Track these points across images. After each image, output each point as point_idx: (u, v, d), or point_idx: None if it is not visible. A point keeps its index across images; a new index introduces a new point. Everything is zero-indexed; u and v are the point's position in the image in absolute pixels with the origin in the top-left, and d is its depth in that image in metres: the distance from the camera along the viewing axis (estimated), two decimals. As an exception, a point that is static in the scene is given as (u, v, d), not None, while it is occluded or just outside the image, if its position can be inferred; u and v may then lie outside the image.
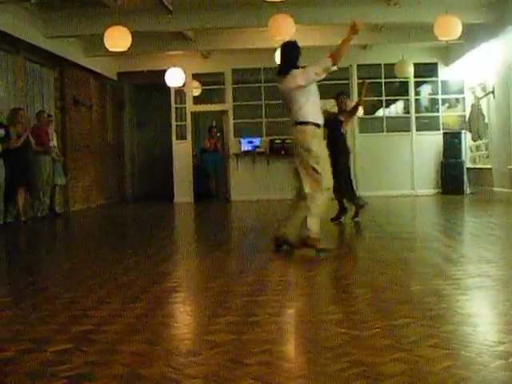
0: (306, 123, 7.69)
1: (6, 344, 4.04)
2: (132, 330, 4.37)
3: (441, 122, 19.32)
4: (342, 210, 11.55)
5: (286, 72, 7.93)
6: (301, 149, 7.68)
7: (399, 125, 19.52)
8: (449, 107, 19.57)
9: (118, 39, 12.70)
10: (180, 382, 3.24)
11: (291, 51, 8.15)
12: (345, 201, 11.52)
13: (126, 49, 12.97)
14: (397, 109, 19.88)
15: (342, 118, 11.73)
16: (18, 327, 4.51)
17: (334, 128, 11.34)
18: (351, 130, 19.29)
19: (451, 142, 18.58)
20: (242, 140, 19.86)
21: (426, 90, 19.77)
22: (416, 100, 19.62)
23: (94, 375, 3.38)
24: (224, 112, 20.37)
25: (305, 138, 7.68)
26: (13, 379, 3.37)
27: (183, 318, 4.98)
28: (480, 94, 17.61)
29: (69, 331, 4.33)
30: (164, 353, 3.83)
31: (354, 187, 12.02)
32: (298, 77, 7.78)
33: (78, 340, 4.08)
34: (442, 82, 19.47)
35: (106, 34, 12.61)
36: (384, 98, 19.64)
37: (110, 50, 13.10)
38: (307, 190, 7.61)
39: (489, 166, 16.96)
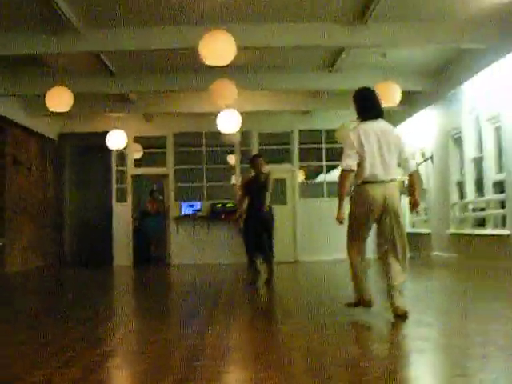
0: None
1: None
2: (65, 395, 4.24)
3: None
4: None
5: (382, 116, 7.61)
6: (395, 206, 7.33)
7: (322, 190, 19.73)
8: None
9: (59, 99, 12.67)
10: None
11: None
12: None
13: (67, 109, 12.94)
14: (338, 174, 20.03)
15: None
16: None
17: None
18: (292, 194, 19.45)
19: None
20: (183, 203, 19.83)
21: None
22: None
23: None
24: (165, 175, 20.34)
25: (397, 194, 7.44)
26: None
27: (119, 383, 4.87)
28: (419, 159, 17.88)
29: (-2, 398, 4.19)
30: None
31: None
32: (402, 140, 7.54)
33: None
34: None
35: (47, 94, 12.58)
36: (324, 163, 19.82)
37: (52, 109, 13.04)
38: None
39: (428, 231, 17.15)
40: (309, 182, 20.36)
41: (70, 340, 6.55)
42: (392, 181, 7.33)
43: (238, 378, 4.83)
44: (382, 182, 7.26)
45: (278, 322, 7.58)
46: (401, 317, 6.99)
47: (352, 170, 7.35)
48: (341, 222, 7.59)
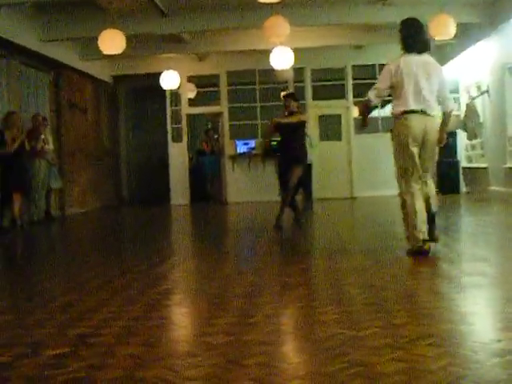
0: None
1: (2, 349, 4.02)
2: (129, 332, 4.36)
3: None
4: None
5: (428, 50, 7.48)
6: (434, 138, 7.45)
7: (388, 125, 19.48)
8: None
9: (112, 42, 12.70)
10: (178, 383, 3.24)
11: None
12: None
13: (120, 51, 12.97)
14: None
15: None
16: (15, 331, 4.50)
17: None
18: (346, 130, 19.34)
19: (447, 141, 18.53)
20: (238, 142, 19.86)
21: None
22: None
23: (92, 379, 3.37)
24: (219, 114, 20.36)
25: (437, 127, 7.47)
26: (10, 384, 3.37)
27: (180, 320, 4.98)
28: (475, 93, 17.61)
29: (65, 335, 4.32)
30: (161, 355, 3.82)
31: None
32: (444, 77, 7.51)
33: (75, 344, 4.07)
34: (437, 81, 19.46)
35: (100, 37, 12.62)
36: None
37: (105, 52, 13.10)
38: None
39: (484, 165, 16.96)
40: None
41: (131, 278, 6.69)
42: (433, 115, 7.32)
43: (298, 314, 4.90)
44: (424, 113, 7.25)
45: (335, 259, 7.62)
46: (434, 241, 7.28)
47: (371, 103, 7.52)
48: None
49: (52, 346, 4.04)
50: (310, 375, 3.31)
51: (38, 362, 3.69)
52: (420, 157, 7.34)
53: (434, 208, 7.41)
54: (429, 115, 7.27)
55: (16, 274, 7.63)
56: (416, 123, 7.21)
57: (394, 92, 7.40)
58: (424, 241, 7.06)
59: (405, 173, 7.36)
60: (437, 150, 7.58)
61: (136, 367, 3.55)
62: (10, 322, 4.86)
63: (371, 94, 7.44)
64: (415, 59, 7.32)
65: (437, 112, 7.41)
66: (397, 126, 7.39)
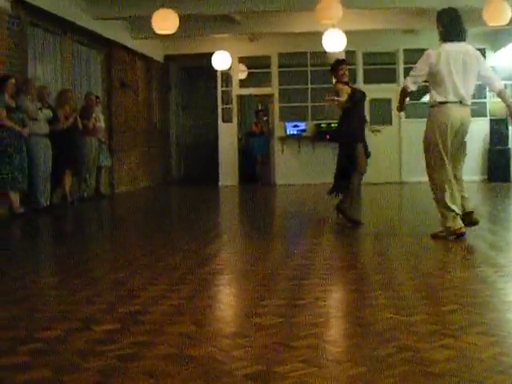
0: None
1: (55, 323, 4.10)
2: (179, 311, 4.40)
3: (488, 108, 19.07)
4: None
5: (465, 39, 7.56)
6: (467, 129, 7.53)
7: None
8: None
9: (165, 22, 12.73)
10: (227, 363, 3.26)
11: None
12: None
13: (173, 31, 13.00)
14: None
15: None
16: (66, 307, 4.57)
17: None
18: (397, 114, 19.16)
19: (498, 128, 18.36)
20: (288, 124, 19.82)
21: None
22: (463, 85, 19.40)
23: (143, 355, 3.41)
24: (270, 96, 20.33)
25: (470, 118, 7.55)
26: (63, 358, 3.41)
27: (229, 300, 5.01)
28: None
29: (116, 311, 4.38)
30: (211, 334, 3.86)
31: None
32: (483, 61, 7.62)
33: (126, 320, 4.13)
34: (490, 67, 19.22)
35: (153, 17, 12.66)
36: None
37: (158, 32, 13.14)
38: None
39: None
40: (414, 102, 20.04)
41: (180, 258, 6.74)
42: (468, 105, 7.37)
43: (348, 297, 4.91)
44: (462, 104, 7.29)
45: (384, 243, 7.60)
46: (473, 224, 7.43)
47: (408, 89, 7.50)
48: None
49: (102, 321, 4.10)
50: (359, 359, 3.31)
51: (90, 337, 3.75)
52: (452, 146, 7.36)
53: (472, 206, 7.51)
54: (465, 105, 7.33)
55: (66, 251, 7.72)
56: (455, 113, 7.25)
57: (433, 80, 7.38)
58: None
59: (440, 161, 7.35)
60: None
61: (185, 345, 3.59)
62: (62, 297, 4.94)
63: (409, 81, 7.47)
64: (456, 48, 7.36)
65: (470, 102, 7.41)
66: (434, 113, 7.37)
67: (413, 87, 7.52)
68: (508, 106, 7.48)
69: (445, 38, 7.48)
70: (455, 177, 7.43)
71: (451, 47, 7.37)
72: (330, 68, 10.29)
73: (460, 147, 7.55)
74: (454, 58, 7.28)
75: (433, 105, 7.40)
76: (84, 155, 13.83)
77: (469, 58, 7.35)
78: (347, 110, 9.49)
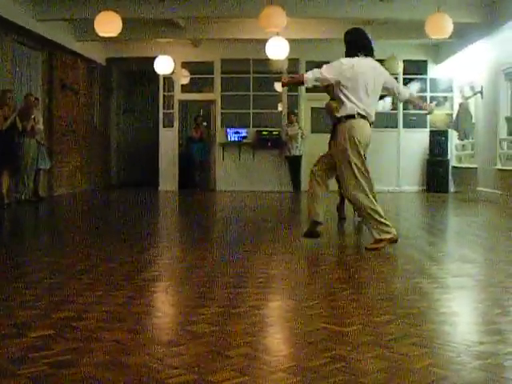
0: None
1: (-13, 328, 4.04)
2: (114, 317, 4.37)
3: (428, 119, 19.35)
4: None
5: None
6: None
7: (386, 121, 19.49)
8: (436, 105, 19.58)
9: (108, 24, 12.69)
10: (161, 371, 3.25)
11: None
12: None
13: (116, 34, 12.96)
14: (384, 105, 19.86)
15: None
16: (0, 312, 4.50)
17: None
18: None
19: (437, 140, 18.65)
20: (229, 130, 19.85)
21: (414, 87, 19.78)
22: (404, 97, 19.64)
23: (76, 362, 3.38)
24: (212, 101, 20.34)
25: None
26: (-6, 364, 3.37)
27: (165, 307, 4.99)
28: (468, 93, 17.66)
29: (51, 317, 4.32)
30: (145, 342, 3.84)
31: None
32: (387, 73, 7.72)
33: (60, 326, 4.08)
34: (430, 79, 19.53)
35: (96, 19, 12.59)
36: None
37: (101, 34, 13.07)
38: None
39: (474, 166, 17.03)
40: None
41: (117, 264, 6.68)
42: (371, 122, 7.46)
43: (283, 307, 4.92)
44: (367, 119, 7.41)
45: (319, 252, 7.65)
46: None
47: (306, 84, 7.63)
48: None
49: (37, 327, 4.05)
50: (292, 368, 3.32)
51: (23, 344, 3.69)
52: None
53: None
54: (370, 123, 7.46)
55: (1, 254, 7.61)
56: (366, 127, 7.42)
57: (340, 90, 7.44)
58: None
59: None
60: None
61: (120, 353, 3.56)
62: (-5, 301, 4.87)
63: (311, 76, 7.44)
64: (367, 62, 7.50)
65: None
66: (346, 127, 7.39)
67: (310, 84, 7.64)
68: (419, 101, 7.97)
69: (356, 52, 7.58)
70: None
71: (362, 61, 7.50)
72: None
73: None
74: (365, 72, 7.41)
75: (340, 119, 7.46)
76: (22, 156, 13.66)
77: (379, 75, 7.56)
78: None
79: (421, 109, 8.18)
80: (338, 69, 7.45)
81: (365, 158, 7.43)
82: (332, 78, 7.44)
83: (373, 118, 7.47)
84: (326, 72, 7.44)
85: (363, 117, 7.35)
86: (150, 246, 8.26)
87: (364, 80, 7.36)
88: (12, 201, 13.23)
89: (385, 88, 7.64)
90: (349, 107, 7.34)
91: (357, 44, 7.64)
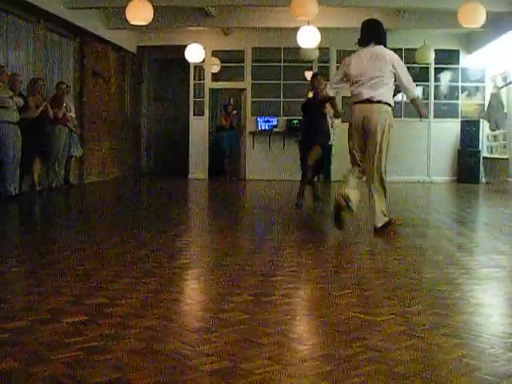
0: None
1: (22, 313, 4.08)
2: (146, 304, 4.39)
3: (459, 109, 19.23)
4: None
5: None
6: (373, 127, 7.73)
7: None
8: (468, 95, 19.48)
9: (140, 12, 12.68)
10: (194, 358, 3.26)
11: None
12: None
13: (147, 22, 12.96)
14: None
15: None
16: (33, 297, 4.54)
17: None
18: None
19: (469, 130, 18.51)
20: (259, 119, 19.83)
21: (446, 76, 19.67)
22: (435, 86, 19.53)
23: (109, 348, 3.40)
24: (242, 90, 20.34)
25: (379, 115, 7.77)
26: (29, 349, 3.39)
27: (197, 294, 5.01)
28: (500, 83, 17.51)
29: (83, 303, 4.36)
30: (178, 329, 3.85)
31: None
32: (398, 66, 7.88)
33: (93, 312, 4.11)
34: (462, 69, 19.36)
35: (128, 7, 12.60)
36: (403, 82, 19.50)
37: (132, 23, 13.08)
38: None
39: (506, 157, 16.90)
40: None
41: (148, 251, 6.71)
42: (377, 102, 7.66)
43: (315, 295, 4.92)
44: (364, 102, 7.68)
45: (351, 241, 7.64)
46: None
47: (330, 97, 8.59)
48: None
49: (70, 313, 4.08)
50: (324, 357, 3.32)
51: (57, 329, 3.73)
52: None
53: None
54: (372, 103, 7.68)
55: (34, 240, 7.68)
56: (358, 112, 7.78)
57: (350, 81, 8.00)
58: None
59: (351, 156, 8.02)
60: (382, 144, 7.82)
61: (152, 339, 3.58)
62: (29, 287, 4.91)
63: (328, 87, 8.29)
64: (367, 51, 7.89)
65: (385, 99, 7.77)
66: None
67: (331, 93, 8.25)
68: (419, 110, 8.24)
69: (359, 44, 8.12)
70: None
71: (362, 51, 7.97)
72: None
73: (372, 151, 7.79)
74: (362, 60, 7.81)
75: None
76: (53, 144, 13.75)
77: (382, 61, 7.76)
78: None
79: (420, 115, 8.42)
80: (342, 67, 8.08)
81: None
82: (341, 78, 8.03)
83: (379, 99, 7.71)
84: (336, 77, 8.22)
85: (362, 101, 7.70)
86: (182, 234, 8.31)
87: (361, 67, 7.76)
88: (43, 188, 13.32)
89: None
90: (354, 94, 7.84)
91: (365, 34, 8.07)
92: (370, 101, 7.64)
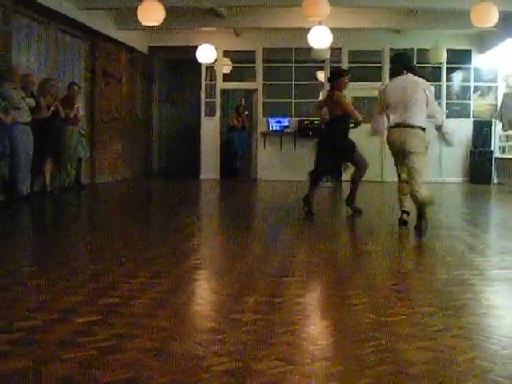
0: None
1: (35, 312, 4.10)
2: (158, 305, 4.41)
3: (472, 109, 19.18)
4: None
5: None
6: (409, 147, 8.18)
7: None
8: (480, 95, 19.41)
9: (151, 13, 12.68)
10: (206, 358, 3.28)
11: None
12: None
13: (158, 23, 12.95)
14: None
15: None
16: (46, 297, 4.56)
17: None
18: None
19: (481, 130, 18.43)
20: (271, 119, 19.83)
21: (458, 76, 19.61)
22: (448, 86, 19.48)
23: (122, 348, 3.42)
24: (254, 90, 20.33)
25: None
26: (42, 348, 3.41)
27: (208, 295, 5.02)
28: (513, 83, 17.47)
29: (96, 303, 4.38)
30: (190, 329, 3.88)
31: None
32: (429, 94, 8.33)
33: (105, 312, 4.13)
34: (474, 69, 19.29)
35: (139, 8, 12.61)
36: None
37: (143, 23, 13.09)
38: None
39: (518, 157, 16.84)
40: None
41: (160, 251, 6.73)
42: (411, 126, 8.12)
43: (326, 296, 4.92)
44: (400, 127, 8.18)
45: (363, 242, 7.64)
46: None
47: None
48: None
49: (82, 313, 4.11)
50: (336, 357, 3.34)
51: (70, 328, 3.75)
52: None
53: None
54: (406, 127, 8.16)
55: (46, 240, 7.71)
56: (394, 136, 8.31)
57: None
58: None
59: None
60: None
61: (164, 339, 3.60)
62: (42, 287, 4.93)
63: (372, 125, 9.09)
64: (399, 80, 8.47)
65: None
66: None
67: (377, 129, 9.03)
68: (441, 135, 8.75)
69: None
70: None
71: (394, 80, 8.58)
72: (329, 76, 11.10)
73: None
74: (396, 88, 8.39)
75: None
76: (65, 144, 13.75)
77: (416, 89, 8.25)
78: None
79: (443, 139, 8.98)
80: (380, 97, 8.70)
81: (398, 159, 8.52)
82: (381, 106, 8.62)
83: (414, 123, 8.13)
84: (377, 107, 8.88)
85: (397, 125, 8.22)
86: (193, 235, 8.33)
87: (397, 95, 8.29)
88: (54, 188, 13.34)
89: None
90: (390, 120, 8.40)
91: (398, 65, 8.69)
92: (406, 126, 8.14)
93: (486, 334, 3.80)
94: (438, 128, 8.51)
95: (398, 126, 8.17)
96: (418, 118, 8.11)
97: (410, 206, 8.40)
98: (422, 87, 8.22)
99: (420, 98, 8.14)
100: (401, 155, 8.24)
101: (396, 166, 8.61)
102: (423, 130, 8.15)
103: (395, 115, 8.22)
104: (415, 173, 8.02)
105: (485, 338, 3.70)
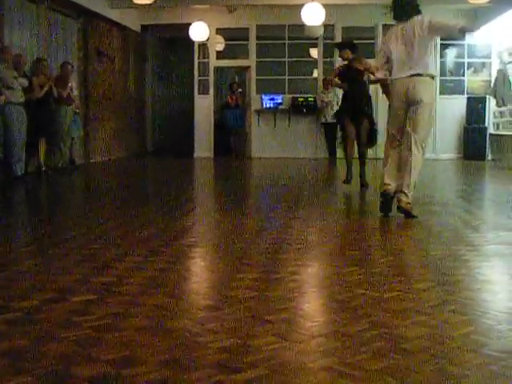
0: None
1: (31, 293, 4.10)
2: (154, 283, 4.41)
3: (465, 86, 19.15)
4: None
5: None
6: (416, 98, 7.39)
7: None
8: (474, 72, 19.38)
9: (144, -9, 12.65)
10: (202, 335, 3.28)
11: None
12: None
13: (151, 1, 12.93)
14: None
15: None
16: (42, 277, 4.57)
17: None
18: (374, 89, 19.19)
19: (475, 106, 18.43)
20: (264, 97, 19.79)
21: (451, 53, 19.56)
22: (441, 63, 19.43)
23: (118, 326, 3.42)
24: (247, 68, 20.28)
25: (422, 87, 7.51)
26: (39, 327, 3.42)
27: (204, 273, 5.03)
28: (507, 59, 17.42)
29: (91, 282, 4.38)
30: (186, 307, 3.88)
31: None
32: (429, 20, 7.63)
33: (101, 291, 4.13)
34: (468, 45, 19.24)
35: (132, -14, 12.58)
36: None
37: (135, 1, 13.06)
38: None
39: (512, 133, 16.84)
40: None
41: (155, 230, 6.74)
42: (416, 75, 7.35)
43: (322, 273, 4.93)
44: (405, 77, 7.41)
45: (357, 219, 7.65)
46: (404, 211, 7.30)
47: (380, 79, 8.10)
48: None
49: (78, 292, 4.11)
50: (332, 334, 3.34)
51: (66, 308, 3.75)
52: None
53: None
54: (412, 77, 7.38)
55: (41, 220, 7.71)
56: (399, 87, 7.49)
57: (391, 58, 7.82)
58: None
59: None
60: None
61: (161, 317, 3.61)
62: (38, 267, 4.94)
63: (376, 75, 8.04)
64: (399, 26, 7.73)
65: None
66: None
67: (381, 76, 7.92)
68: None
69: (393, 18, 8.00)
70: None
71: (395, 27, 7.83)
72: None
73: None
74: (396, 36, 7.63)
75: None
76: (59, 124, 13.71)
77: (415, 30, 7.53)
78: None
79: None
80: (381, 49, 8.00)
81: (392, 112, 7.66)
82: (383, 58, 7.76)
83: (420, 71, 7.38)
84: (378, 58, 8.05)
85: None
86: (188, 212, 8.33)
87: (397, 43, 7.58)
88: (49, 168, 13.31)
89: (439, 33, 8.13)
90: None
91: (396, 9, 7.99)
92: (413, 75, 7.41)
93: (481, 308, 3.81)
94: (462, 29, 7.69)
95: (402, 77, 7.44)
96: (425, 65, 7.41)
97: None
98: (418, 27, 7.51)
99: (422, 41, 7.43)
100: (403, 110, 7.41)
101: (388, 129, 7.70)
102: (432, 78, 7.55)
103: (398, 65, 7.51)
104: (418, 126, 7.27)
105: (480, 312, 3.71)
